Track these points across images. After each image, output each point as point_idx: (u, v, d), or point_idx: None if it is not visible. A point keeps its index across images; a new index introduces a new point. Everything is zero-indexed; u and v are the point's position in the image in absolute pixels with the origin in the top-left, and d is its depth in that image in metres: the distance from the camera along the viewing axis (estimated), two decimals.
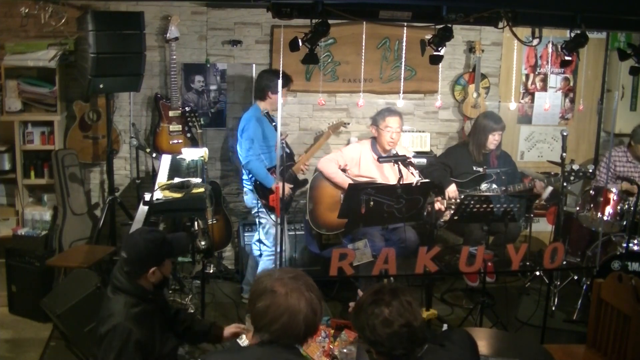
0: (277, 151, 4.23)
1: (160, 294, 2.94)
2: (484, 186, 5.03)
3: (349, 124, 5.46)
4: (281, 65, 4.52)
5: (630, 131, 5.41)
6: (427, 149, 5.64)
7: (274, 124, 4.79)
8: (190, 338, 3.22)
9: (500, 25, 3.85)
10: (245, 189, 4.98)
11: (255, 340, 2.27)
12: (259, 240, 5.00)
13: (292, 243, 5.20)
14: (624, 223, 4.72)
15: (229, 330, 3.12)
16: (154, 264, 2.81)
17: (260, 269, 4.92)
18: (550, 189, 5.23)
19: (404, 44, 5.30)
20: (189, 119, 5.08)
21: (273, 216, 4.73)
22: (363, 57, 5.25)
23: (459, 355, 2.32)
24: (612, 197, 4.74)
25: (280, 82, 4.11)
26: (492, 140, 5.08)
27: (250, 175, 4.85)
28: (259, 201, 4.83)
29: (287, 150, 4.16)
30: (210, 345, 3.81)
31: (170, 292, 4.60)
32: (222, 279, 5.40)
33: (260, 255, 5.00)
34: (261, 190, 4.82)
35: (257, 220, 4.97)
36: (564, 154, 4.70)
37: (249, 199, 4.96)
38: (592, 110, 5.90)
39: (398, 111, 4.92)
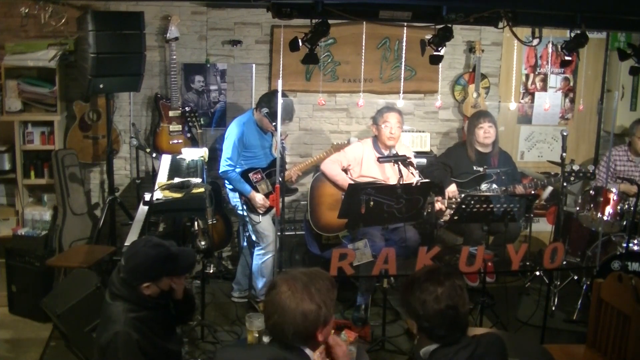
0: (277, 152, 4.22)
1: (162, 302, 2.81)
2: (484, 186, 5.03)
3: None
4: (281, 66, 4.50)
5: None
6: (427, 149, 5.64)
7: (274, 123, 4.78)
8: (184, 316, 3.11)
9: (500, 25, 3.84)
10: (227, 188, 4.99)
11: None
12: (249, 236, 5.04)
13: (291, 243, 5.21)
14: (624, 223, 4.72)
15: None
16: (149, 279, 2.68)
17: (253, 265, 4.93)
18: (550, 189, 5.23)
19: (404, 44, 5.32)
20: (189, 119, 5.08)
21: (252, 215, 4.82)
22: (363, 57, 5.25)
23: (485, 355, 2.33)
24: (612, 197, 4.74)
25: (279, 104, 3.99)
26: (481, 134, 5.06)
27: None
28: (240, 199, 4.85)
29: (280, 155, 4.17)
30: (210, 345, 3.80)
31: None
32: (222, 279, 5.39)
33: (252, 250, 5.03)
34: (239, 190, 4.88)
35: (244, 218, 4.97)
36: (564, 154, 4.70)
37: (231, 197, 4.97)
38: (592, 110, 5.90)
39: (397, 108, 4.93)
